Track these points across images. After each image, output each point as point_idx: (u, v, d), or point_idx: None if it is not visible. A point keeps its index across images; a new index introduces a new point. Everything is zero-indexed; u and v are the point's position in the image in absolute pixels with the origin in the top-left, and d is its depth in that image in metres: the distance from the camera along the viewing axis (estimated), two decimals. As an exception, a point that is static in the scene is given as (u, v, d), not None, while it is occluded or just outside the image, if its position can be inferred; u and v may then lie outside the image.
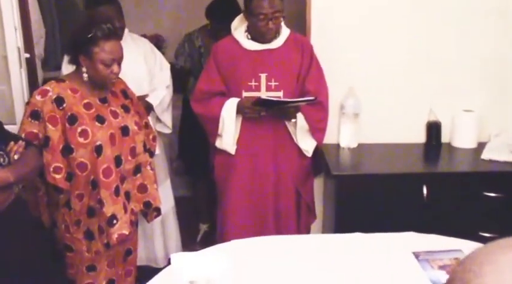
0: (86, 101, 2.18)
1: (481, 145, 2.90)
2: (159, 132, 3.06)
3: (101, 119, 2.18)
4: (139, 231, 2.84)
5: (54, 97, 2.13)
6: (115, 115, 2.25)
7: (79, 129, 2.13)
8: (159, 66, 3.10)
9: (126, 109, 2.32)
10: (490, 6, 2.89)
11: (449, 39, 2.93)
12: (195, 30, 3.70)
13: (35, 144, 2.10)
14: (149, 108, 2.95)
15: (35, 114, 2.12)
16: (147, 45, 3.10)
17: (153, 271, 2.03)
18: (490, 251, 0.60)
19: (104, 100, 2.24)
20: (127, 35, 2.95)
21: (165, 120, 3.08)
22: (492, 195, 2.60)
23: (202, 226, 3.83)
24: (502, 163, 2.70)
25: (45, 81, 2.97)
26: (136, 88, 2.89)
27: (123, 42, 2.86)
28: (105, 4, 2.83)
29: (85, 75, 2.17)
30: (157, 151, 3.00)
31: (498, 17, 2.90)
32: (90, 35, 2.11)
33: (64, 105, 2.13)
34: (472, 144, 2.93)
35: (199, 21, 3.70)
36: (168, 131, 3.16)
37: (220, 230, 2.87)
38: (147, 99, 2.95)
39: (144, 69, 2.99)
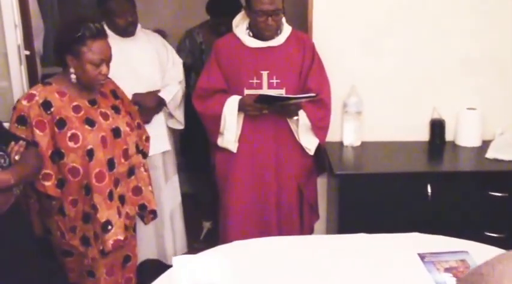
0: (74, 104, 2.11)
1: (486, 144, 2.87)
2: (168, 128, 3.04)
3: (91, 122, 2.11)
4: (151, 226, 2.81)
5: (41, 101, 2.06)
6: (105, 117, 2.18)
7: (69, 133, 2.06)
8: (172, 61, 3.07)
9: (116, 110, 2.25)
10: (493, 5, 2.86)
11: (453, 37, 2.90)
12: (196, 27, 3.67)
13: (36, 143, 2.04)
14: (161, 103, 2.92)
15: (21, 120, 2.05)
16: (159, 40, 3.06)
17: (163, 267, 2.00)
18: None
19: (93, 102, 2.17)
20: (139, 30, 2.91)
21: (177, 116, 3.06)
22: (498, 194, 2.57)
23: (205, 224, 3.81)
24: (507, 162, 2.67)
25: (45, 76, 2.94)
26: (149, 84, 2.89)
27: (135, 38, 2.85)
28: None
29: (73, 76, 2.10)
30: (169, 147, 2.99)
31: (502, 16, 2.87)
32: (78, 35, 2.03)
33: (52, 109, 2.06)
34: (476, 143, 2.90)
35: (201, 17, 3.66)
36: (180, 127, 3.13)
37: (222, 229, 2.85)
38: (159, 94, 2.92)
39: (156, 64, 2.95)
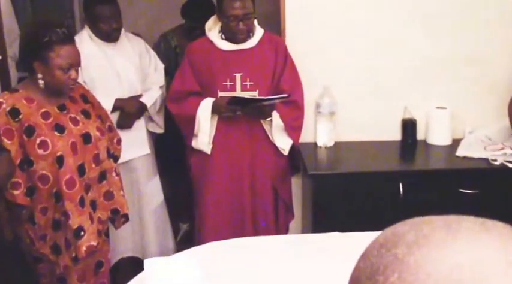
0: (43, 110, 2.07)
1: (456, 142, 2.92)
2: (148, 131, 3.06)
3: (60, 128, 2.08)
4: (128, 227, 2.79)
5: (8, 109, 2.01)
6: (75, 122, 2.14)
7: (38, 141, 2.02)
8: (154, 66, 3.09)
9: (86, 115, 2.22)
10: (463, 5, 2.91)
11: (422, 38, 2.95)
12: (171, 30, 3.68)
13: (8, 149, 2.01)
14: (143, 109, 2.92)
15: None
16: (142, 45, 3.07)
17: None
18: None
19: (62, 108, 2.13)
20: (123, 34, 2.91)
21: (157, 121, 3.07)
22: (467, 191, 2.62)
23: (182, 226, 3.81)
24: (477, 159, 2.72)
25: (22, 80, 2.91)
26: (131, 89, 2.90)
27: (119, 43, 2.87)
28: (103, 3, 2.78)
29: (41, 82, 2.05)
30: (148, 151, 3.00)
31: (470, 16, 2.93)
32: (45, 40, 1.99)
33: (20, 117, 2.01)
34: (446, 141, 2.96)
35: (176, 21, 3.67)
36: (160, 131, 3.14)
37: (198, 230, 2.87)
38: (141, 99, 2.92)
39: (138, 69, 2.96)
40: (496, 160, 2.67)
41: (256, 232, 2.71)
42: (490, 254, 0.46)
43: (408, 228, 0.51)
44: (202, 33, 2.78)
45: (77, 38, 2.24)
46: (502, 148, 2.77)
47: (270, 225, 2.80)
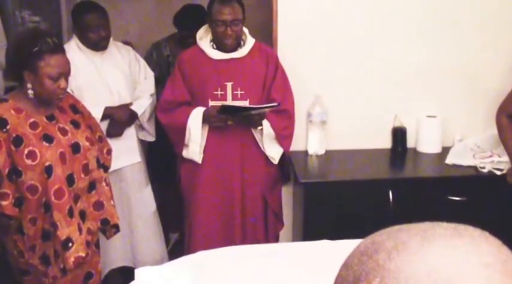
0: (31, 120, 2.06)
1: (445, 150, 2.95)
2: (139, 139, 3.07)
3: (48, 138, 2.06)
4: (118, 237, 2.78)
5: None
6: (64, 132, 2.13)
7: (26, 151, 2.00)
8: (144, 74, 3.11)
9: (75, 124, 2.21)
10: (453, 15, 2.95)
11: (413, 47, 2.98)
12: (163, 39, 3.69)
13: None
14: (133, 116, 2.94)
15: None
16: (132, 54, 3.08)
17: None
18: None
19: (51, 118, 2.12)
20: (111, 43, 2.93)
21: (148, 129, 3.09)
22: (456, 198, 2.64)
23: (172, 236, 3.81)
24: (465, 167, 2.75)
25: (10, 89, 2.91)
26: (120, 98, 2.91)
27: (107, 52, 2.89)
28: (92, 12, 2.79)
29: (30, 92, 2.04)
30: (139, 159, 3.00)
31: (461, 25, 2.97)
32: (35, 49, 1.98)
33: (8, 127, 2.00)
34: (436, 149, 2.99)
35: (168, 30, 3.69)
36: (151, 139, 3.15)
37: (188, 240, 2.87)
38: (131, 107, 2.94)
39: (128, 78, 2.98)
40: (484, 168, 2.70)
41: (246, 241, 2.72)
42: (463, 256, 0.49)
43: (386, 236, 0.54)
44: (195, 42, 2.80)
45: (65, 47, 2.24)
46: (491, 156, 2.80)
47: (259, 234, 2.81)
